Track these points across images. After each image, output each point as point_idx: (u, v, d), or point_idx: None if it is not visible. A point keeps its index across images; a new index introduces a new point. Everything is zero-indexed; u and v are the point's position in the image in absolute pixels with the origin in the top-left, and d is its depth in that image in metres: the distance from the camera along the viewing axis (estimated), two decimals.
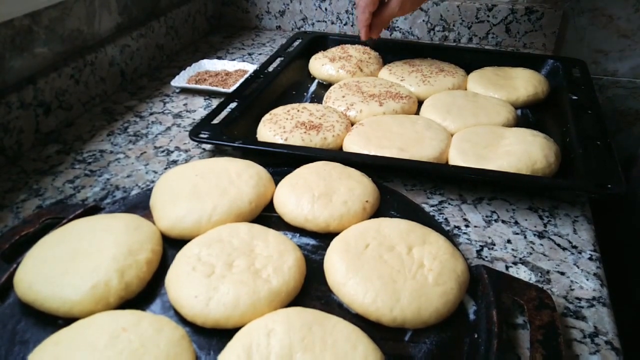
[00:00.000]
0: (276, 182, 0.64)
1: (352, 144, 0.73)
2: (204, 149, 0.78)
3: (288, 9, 1.28)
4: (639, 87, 1.24)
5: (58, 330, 0.45)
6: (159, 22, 1.08)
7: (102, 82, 0.92)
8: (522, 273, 0.56)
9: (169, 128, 0.84)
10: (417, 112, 0.85)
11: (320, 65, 0.98)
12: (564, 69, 0.94)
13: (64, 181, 0.71)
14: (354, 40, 1.09)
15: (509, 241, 0.61)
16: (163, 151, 0.78)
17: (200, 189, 0.60)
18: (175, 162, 0.75)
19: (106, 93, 0.94)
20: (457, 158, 0.70)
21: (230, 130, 0.75)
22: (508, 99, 0.86)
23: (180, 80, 0.96)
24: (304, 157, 0.68)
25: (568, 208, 0.66)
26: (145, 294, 0.51)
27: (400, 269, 0.50)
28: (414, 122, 0.77)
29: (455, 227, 0.63)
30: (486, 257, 0.58)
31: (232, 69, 1.02)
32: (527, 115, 0.87)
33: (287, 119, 0.77)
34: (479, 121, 0.78)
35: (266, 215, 0.61)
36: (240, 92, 0.86)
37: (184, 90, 0.97)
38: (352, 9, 1.24)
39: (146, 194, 0.64)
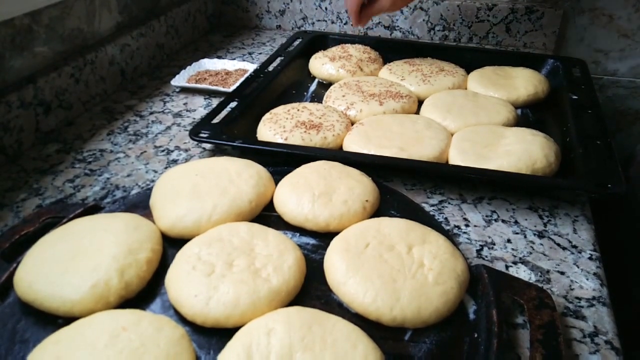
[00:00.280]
0: (276, 182, 0.64)
1: (352, 144, 0.73)
2: (204, 148, 0.78)
3: (288, 8, 1.28)
4: (639, 87, 1.24)
5: (58, 329, 0.45)
6: (159, 21, 1.08)
7: (102, 81, 0.92)
8: (522, 272, 0.56)
9: (169, 127, 0.84)
10: (417, 112, 0.85)
11: (321, 64, 0.98)
12: (564, 68, 0.94)
13: (64, 180, 0.71)
14: (354, 39, 1.09)
15: (509, 241, 0.61)
16: (163, 150, 0.78)
17: (200, 188, 0.60)
18: (175, 162, 0.75)
19: (106, 92, 0.94)
20: (457, 157, 0.70)
21: (230, 130, 0.75)
22: (508, 98, 0.86)
23: (181, 79, 0.96)
24: (304, 157, 0.68)
25: (568, 208, 0.66)
26: (145, 293, 0.51)
27: (400, 269, 0.50)
28: (414, 122, 0.77)
29: (455, 226, 0.63)
30: (486, 256, 0.58)
31: (232, 68, 1.02)
32: (527, 114, 0.86)
33: (287, 118, 0.77)
34: (479, 121, 0.78)
35: (266, 215, 0.61)
36: (241, 92, 0.86)
37: (184, 90, 0.97)
38: None
39: (146, 193, 0.64)
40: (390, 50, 1.05)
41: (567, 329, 0.50)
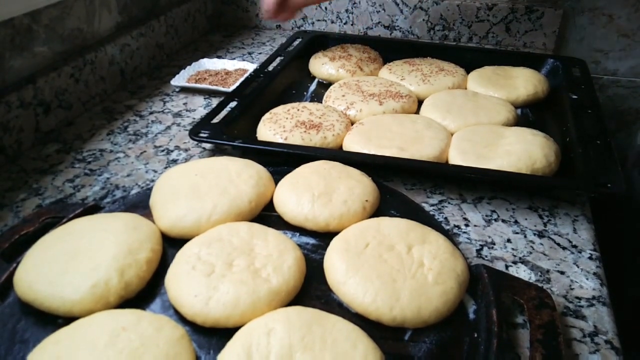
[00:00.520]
0: (276, 182, 0.64)
1: (352, 143, 0.73)
2: (203, 148, 0.78)
3: None
4: (639, 87, 1.24)
5: (58, 329, 0.45)
6: (159, 21, 1.07)
7: (102, 81, 0.92)
8: (522, 272, 0.56)
9: (168, 127, 0.84)
10: (417, 112, 0.85)
11: (320, 64, 0.98)
12: (564, 68, 0.94)
13: (64, 180, 0.71)
14: (354, 39, 1.09)
15: (508, 240, 0.61)
16: (163, 150, 0.78)
17: (200, 188, 0.60)
18: (175, 162, 0.75)
19: (106, 92, 0.94)
20: (457, 157, 0.70)
21: (230, 130, 0.75)
22: (508, 98, 0.86)
23: (180, 79, 0.96)
24: (303, 157, 0.68)
25: (568, 207, 0.66)
26: (145, 293, 0.51)
27: (400, 268, 0.50)
28: (414, 122, 0.77)
29: (455, 226, 0.63)
30: (486, 256, 0.58)
31: (232, 68, 1.02)
32: (527, 114, 0.86)
33: (287, 118, 0.77)
34: (479, 120, 0.78)
35: (266, 215, 0.61)
36: (240, 92, 0.85)
37: (184, 90, 0.97)
38: (352, 8, 1.24)
39: (146, 193, 0.64)
40: (390, 50, 1.05)
41: (567, 328, 0.50)
